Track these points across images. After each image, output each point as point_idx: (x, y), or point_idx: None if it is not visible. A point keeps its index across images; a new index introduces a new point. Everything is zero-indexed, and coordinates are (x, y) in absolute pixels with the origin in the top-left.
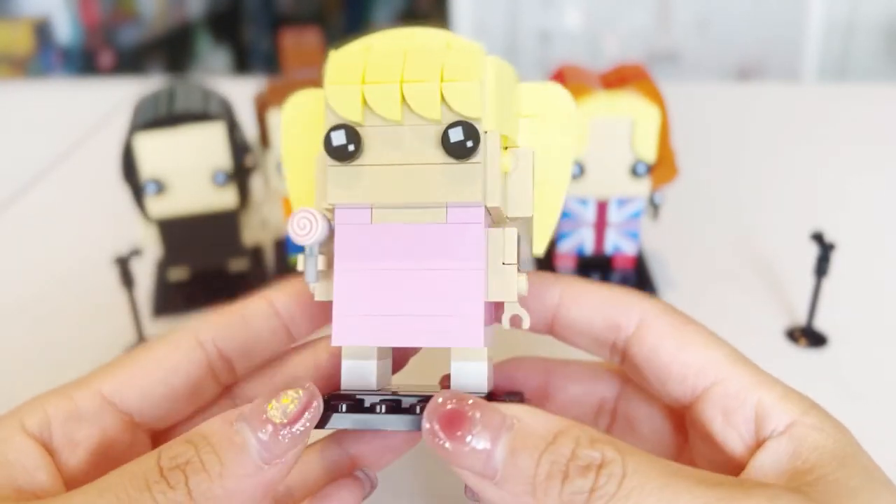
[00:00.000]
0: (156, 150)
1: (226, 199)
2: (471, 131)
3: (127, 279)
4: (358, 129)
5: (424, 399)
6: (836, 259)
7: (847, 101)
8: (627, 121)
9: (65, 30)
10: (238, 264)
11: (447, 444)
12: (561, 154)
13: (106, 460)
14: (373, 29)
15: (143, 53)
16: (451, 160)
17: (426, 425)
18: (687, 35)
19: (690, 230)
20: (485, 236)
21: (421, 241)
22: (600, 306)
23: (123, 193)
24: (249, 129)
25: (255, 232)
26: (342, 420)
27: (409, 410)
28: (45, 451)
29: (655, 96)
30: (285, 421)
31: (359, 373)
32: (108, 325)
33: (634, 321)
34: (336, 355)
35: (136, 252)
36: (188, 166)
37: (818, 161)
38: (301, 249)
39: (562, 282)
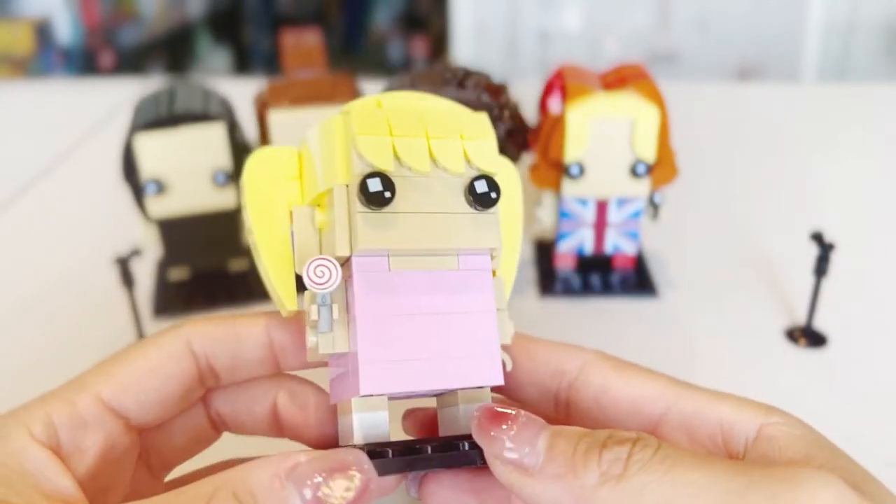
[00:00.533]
0: (156, 150)
1: (226, 199)
2: (493, 184)
3: (127, 279)
4: (391, 177)
5: (460, 438)
6: (836, 259)
7: (847, 101)
8: (627, 121)
9: (65, 30)
10: (238, 264)
11: (493, 432)
12: (514, 207)
13: (109, 463)
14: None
15: (143, 53)
16: (473, 210)
17: (474, 421)
18: (687, 35)
19: (690, 230)
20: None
21: (437, 286)
22: (544, 355)
23: (123, 193)
24: (249, 129)
25: None
26: (396, 464)
27: (453, 448)
28: (58, 458)
29: (655, 96)
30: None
31: (372, 425)
32: (108, 325)
33: (577, 365)
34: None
35: (136, 252)
36: (188, 166)
37: (818, 161)
38: None
39: None
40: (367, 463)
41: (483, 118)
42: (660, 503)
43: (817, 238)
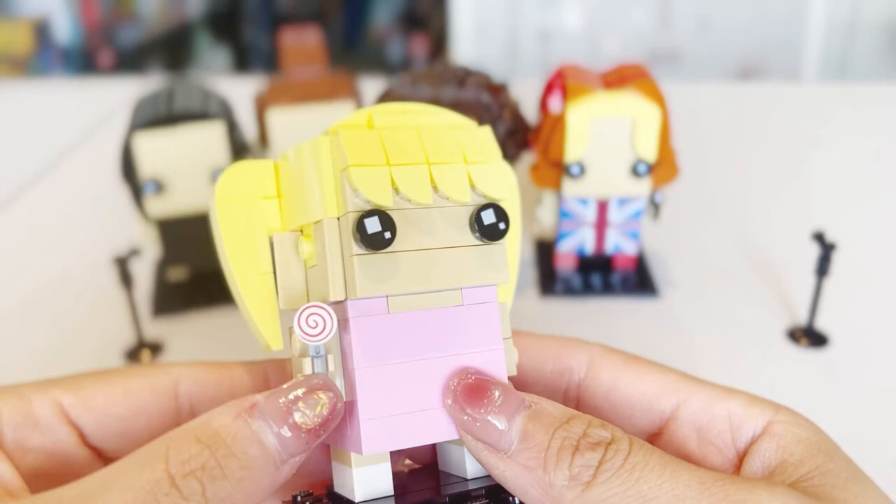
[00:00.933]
0: (155, 149)
1: None
2: (502, 213)
3: (126, 279)
4: (390, 213)
5: (475, 489)
6: (837, 259)
7: (847, 101)
8: (628, 120)
9: (64, 29)
10: None
11: (468, 410)
12: (512, 210)
13: (60, 469)
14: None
15: (142, 53)
16: (479, 242)
17: (451, 395)
18: (687, 35)
19: (690, 230)
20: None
21: (440, 327)
22: (548, 351)
23: (123, 193)
24: (249, 129)
25: None
26: None
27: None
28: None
29: (656, 96)
30: (317, 424)
31: (374, 479)
32: (108, 325)
33: (584, 362)
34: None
35: (134, 252)
36: (187, 166)
37: (818, 161)
38: None
39: None
40: (324, 378)
41: (487, 133)
42: None
43: (819, 238)
